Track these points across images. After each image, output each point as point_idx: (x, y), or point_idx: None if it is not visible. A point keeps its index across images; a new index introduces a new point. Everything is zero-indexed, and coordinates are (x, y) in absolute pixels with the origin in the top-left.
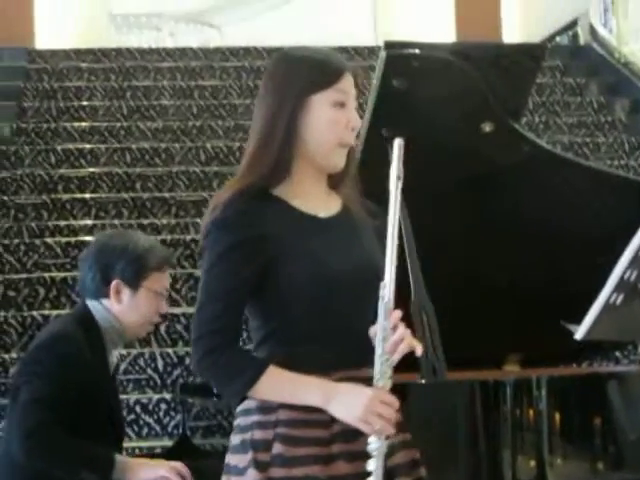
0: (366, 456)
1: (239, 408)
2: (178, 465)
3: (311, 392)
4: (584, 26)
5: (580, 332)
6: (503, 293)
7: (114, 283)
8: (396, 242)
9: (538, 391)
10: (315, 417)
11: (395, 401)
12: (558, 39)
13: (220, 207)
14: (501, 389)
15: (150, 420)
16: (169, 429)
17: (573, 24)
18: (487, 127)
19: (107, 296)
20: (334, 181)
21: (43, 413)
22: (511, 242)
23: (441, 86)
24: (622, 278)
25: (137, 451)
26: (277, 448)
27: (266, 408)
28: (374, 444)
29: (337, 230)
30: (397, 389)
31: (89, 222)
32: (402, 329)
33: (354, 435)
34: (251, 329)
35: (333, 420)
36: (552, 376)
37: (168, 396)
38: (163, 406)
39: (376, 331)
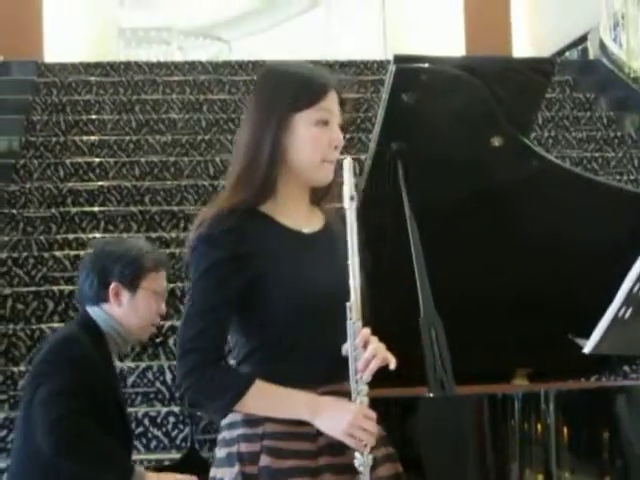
0: (351, 469)
1: (223, 422)
2: (189, 478)
3: (297, 406)
4: (594, 41)
5: (588, 346)
6: (512, 307)
7: (112, 286)
8: (357, 262)
9: (546, 405)
10: (301, 430)
11: (375, 415)
12: (568, 54)
13: (207, 223)
14: (509, 403)
15: (158, 433)
16: (177, 442)
17: (583, 39)
18: (496, 142)
19: (107, 300)
20: (316, 197)
21: (64, 404)
22: (520, 256)
23: (450, 100)
24: (631, 292)
25: (145, 463)
26: (264, 460)
27: (252, 421)
28: (359, 459)
29: (320, 246)
30: (376, 404)
31: (98, 235)
32: (373, 345)
33: (339, 448)
34: (234, 345)
35: (319, 433)
36: (560, 390)
37: (176, 409)
38: (171, 419)
39: (347, 350)
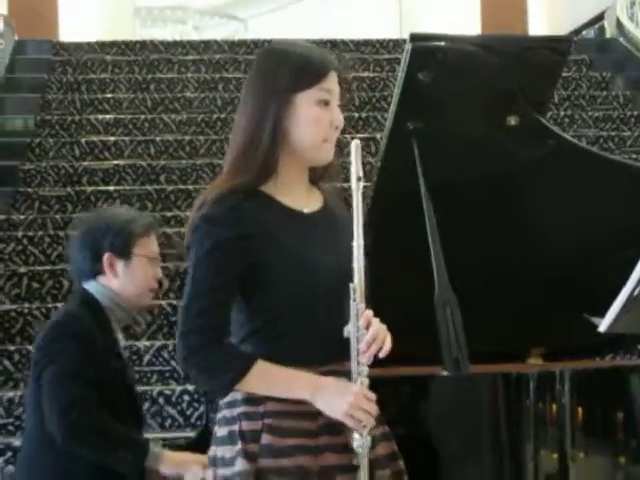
0: (351, 449)
1: (223, 401)
2: (201, 459)
3: (298, 386)
4: (611, 19)
5: (604, 325)
6: (526, 286)
7: (106, 257)
8: (362, 245)
9: (561, 385)
10: (302, 409)
11: (374, 396)
12: (584, 32)
13: (209, 203)
14: (524, 382)
15: (173, 412)
16: (192, 420)
17: (599, 18)
18: (512, 120)
19: (102, 272)
20: (315, 176)
21: (73, 387)
22: (535, 236)
23: (466, 79)
24: None
25: (160, 442)
26: (265, 439)
27: (253, 399)
28: (358, 440)
29: (320, 225)
30: (374, 385)
31: None
32: (375, 327)
33: (339, 428)
34: (234, 324)
35: (319, 412)
36: (575, 369)
37: (191, 388)
38: (186, 398)
39: (349, 331)
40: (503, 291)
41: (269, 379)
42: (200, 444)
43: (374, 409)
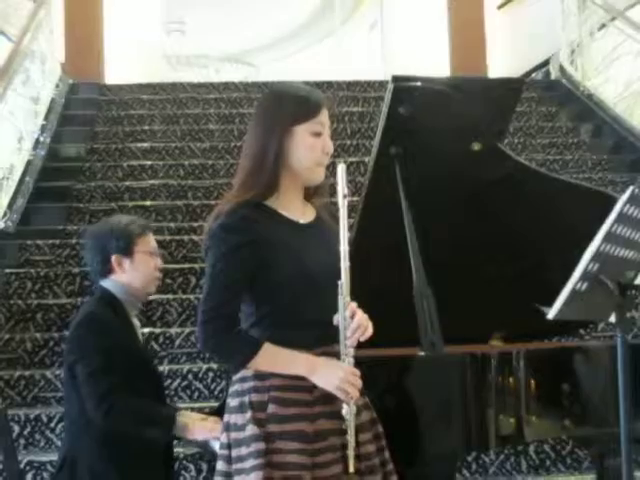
0: (341, 416)
1: (235, 376)
2: (217, 421)
3: (297, 364)
4: (555, 64)
5: (552, 313)
6: (490, 282)
7: (113, 258)
8: (347, 249)
9: (517, 362)
10: (301, 383)
11: (359, 372)
12: (534, 75)
13: (224, 214)
14: (487, 361)
15: (200, 386)
16: (215, 393)
17: (546, 63)
18: (476, 146)
19: (112, 271)
20: (309, 193)
21: (104, 381)
22: (497, 240)
23: (439, 112)
24: (586, 269)
25: (190, 411)
26: (271, 408)
27: (260, 376)
28: (346, 409)
29: (313, 234)
30: (358, 363)
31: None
32: (358, 316)
33: (331, 399)
34: (244, 313)
35: (314, 386)
36: (529, 350)
37: (215, 366)
38: (211, 374)
39: (338, 320)
40: (470, 285)
41: (273, 359)
42: (222, 412)
43: (359, 383)
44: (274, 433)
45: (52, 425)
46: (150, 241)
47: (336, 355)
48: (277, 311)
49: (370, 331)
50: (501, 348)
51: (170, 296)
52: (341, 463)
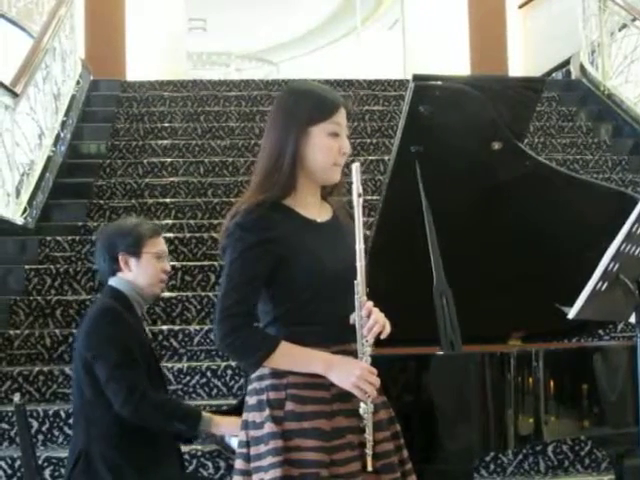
0: (359, 414)
1: (253, 375)
2: None
3: (315, 362)
4: (575, 64)
5: (572, 313)
6: (509, 281)
7: (121, 257)
8: (362, 248)
9: (536, 362)
10: (318, 381)
11: (376, 371)
12: (554, 74)
13: (241, 213)
14: (506, 360)
15: (219, 383)
16: (234, 390)
17: (566, 62)
18: (496, 145)
19: (120, 269)
20: (326, 192)
21: (129, 375)
22: (517, 239)
23: (459, 111)
24: (606, 269)
25: (207, 408)
26: (289, 406)
27: (278, 373)
28: (364, 408)
29: (330, 232)
30: (376, 363)
31: (170, 222)
32: (374, 316)
33: (348, 396)
34: (261, 312)
35: (332, 384)
36: (548, 350)
37: (233, 363)
38: (229, 372)
39: (354, 319)
40: (490, 284)
41: (291, 357)
42: (240, 409)
43: (377, 381)
44: (292, 430)
45: (71, 421)
46: (159, 244)
47: (353, 353)
48: (294, 309)
49: (388, 329)
50: (520, 348)
51: (189, 293)
52: (358, 461)
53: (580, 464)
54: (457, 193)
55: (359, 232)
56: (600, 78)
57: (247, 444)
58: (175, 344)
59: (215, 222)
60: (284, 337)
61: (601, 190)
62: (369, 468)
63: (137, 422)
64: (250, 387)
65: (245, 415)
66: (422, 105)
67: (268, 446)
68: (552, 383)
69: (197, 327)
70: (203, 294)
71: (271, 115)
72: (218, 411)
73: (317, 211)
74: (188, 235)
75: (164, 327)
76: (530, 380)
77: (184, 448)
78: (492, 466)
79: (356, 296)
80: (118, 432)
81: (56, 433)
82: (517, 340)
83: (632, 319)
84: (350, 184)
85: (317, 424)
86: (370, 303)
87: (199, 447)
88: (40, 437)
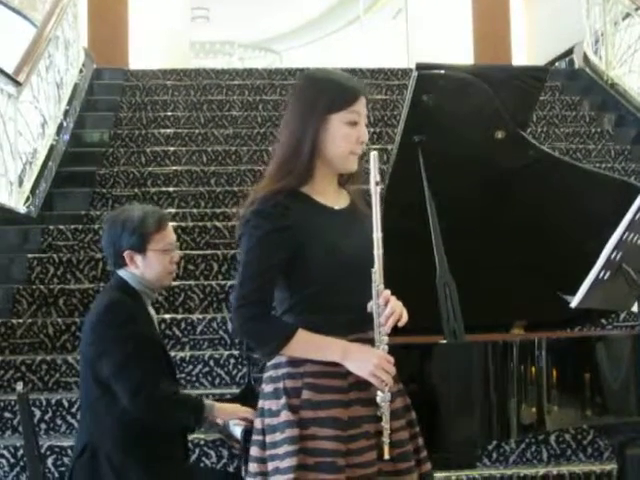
0: (375, 402)
1: (269, 363)
2: (251, 411)
3: (331, 350)
4: (579, 53)
5: (574, 302)
6: (512, 270)
7: (126, 254)
8: (380, 237)
9: (539, 351)
10: (335, 369)
11: (393, 359)
12: (557, 64)
13: (258, 201)
14: (509, 349)
15: (221, 372)
16: (237, 379)
17: (570, 52)
18: (499, 134)
19: (125, 265)
20: (343, 180)
21: (135, 371)
22: (519, 228)
23: (462, 100)
24: (609, 258)
25: (210, 397)
26: (306, 394)
27: (294, 362)
28: (380, 396)
29: (347, 219)
30: (392, 351)
31: (172, 210)
32: (392, 304)
33: (365, 385)
34: (278, 299)
35: (349, 372)
36: (550, 338)
37: (236, 352)
38: (232, 360)
39: (372, 307)
40: (493, 273)
41: (307, 345)
42: (243, 398)
43: (393, 370)
44: (308, 419)
45: (73, 410)
46: (166, 236)
47: (370, 341)
48: (311, 297)
49: (405, 318)
50: (523, 336)
51: (192, 282)
52: (374, 450)
53: (583, 453)
54: (460, 182)
55: (377, 220)
56: (603, 67)
57: (263, 431)
58: (178, 333)
59: (218, 211)
60: (301, 325)
61: (604, 179)
62: (386, 456)
63: (146, 417)
64: (266, 375)
65: (261, 402)
66: (425, 94)
67: (284, 434)
68: (555, 372)
69: (200, 316)
70: (206, 283)
71: (290, 103)
72: (221, 399)
73: (334, 198)
74: (191, 224)
75: (167, 316)
76: (533, 369)
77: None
78: (495, 455)
79: (373, 284)
80: (124, 428)
81: (59, 422)
82: (520, 329)
83: (635, 308)
84: (367, 172)
85: (333, 413)
86: (387, 291)
87: (202, 436)
88: (43, 426)
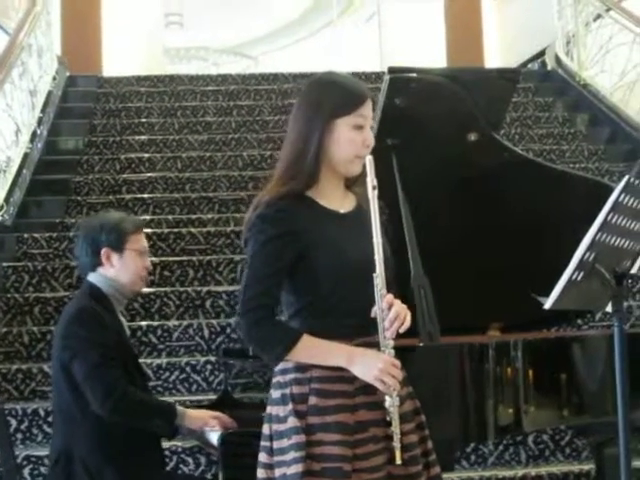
0: (382, 406)
1: (277, 368)
2: (221, 414)
3: (337, 355)
4: (551, 55)
5: (548, 303)
6: (488, 272)
7: (103, 251)
8: (380, 241)
9: (515, 352)
10: (341, 374)
11: (399, 364)
12: (530, 65)
13: (263, 205)
14: (485, 350)
15: (198, 378)
16: (214, 386)
17: (542, 53)
18: (472, 137)
19: (101, 264)
20: (349, 183)
21: (107, 375)
22: (493, 230)
23: (435, 103)
24: (582, 259)
25: (188, 403)
26: (312, 400)
27: (301, 367)
28: (389, 401)
29: (353, 223)
30: (400, 353)
31: (148, 217)
32: (395, 308)
33: (372, 389)
34: (284, 304)
35: (355, 377)
36: (526, 339)
37: (213, 359)
38: (209, 367)
39: (375, 312)
40: (468, 275)
41: (312, 350)
42: (220, 405)
43: (399, 374)
44: (315, 425)
45: (50, 419)
46: (141, 240)
47: (377, 345)
48: (317, 301)
49: (408, 321)
50: (499, 338)
51: (168, 289)
52: (383, 454)
53: (561, 453)
54: (435, 185)
55: (376, 225)
56: (576, 68)
57: (270, 438)
58: (154, 340)
59: (193, 217)
60: (308, 329)
61: (578, 180)
62: (398, 461)
63: (117, 421)
64: (274, 380)
65: (269, 409)
66: (398, 97)
67: (291, 441)
68: (531, 373)
69: (176, 322)
70: (182, 289)
71: (296, 106)
72: (199, 406)
73: (340, 202)
74: (166, 230)
75: (143, 323)
76: (509, 370)
77: (164, 445)
78: (473, 457)
79: (376, 289)
80: (98, 433)
81: (35, 431)
82: (496, 330)
83: (609, 308)
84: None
85: (340, 418)
86: (390, 296)
87: (179, 443)
88: (19, 435)
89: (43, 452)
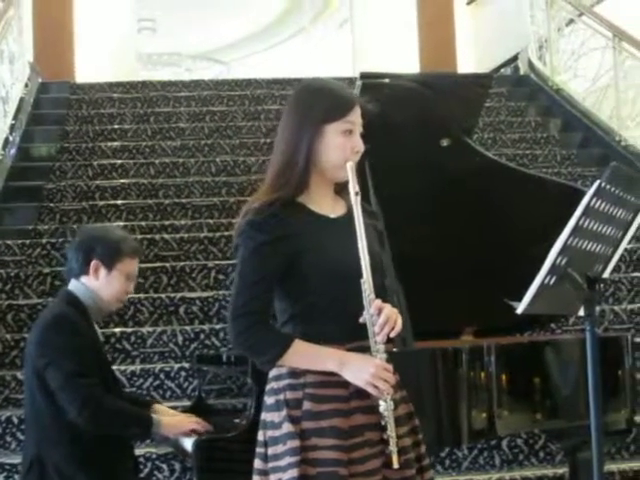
0: (376, 410)
1: (271, 374)
2: (201, 420)
3: (328, 360)
4: (523, 60)
5: (520, 308)
6: (463, 278)
7: (93, 262)
8: (365, 245)
9: (488, 357)
10: (335, 379)
11: (391, 368)
12: (503, 70)
13: (252, 212)
14: (458, 355)
15: (172, 385)
16: (187, 392)
17: (515, 58)
18: (445, 142)
19: (87, 273)
20: (339, 188)
21: (83, 383)
22: (469, 235)
23: (407, 109)
24: (554, 263)
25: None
26: (306, 405)
27: (295, 373)
28: (383, 405)
29: (344, 227)
30: (392, 357)
31: (121, 223)
32: (385, 312)
33: (367, 393)
34: (277, 310)
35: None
36: (499, 344)
37: (187, 365)
38: (183, 373)
39: (365, 318)
40: (441, 280)
41: (304, 355)
42: (194, 411)
43: (391, 378)
44: (309, 430)
45: (23, 427)
46: (133, 265)
47: (368, 351)
48: (309, 306)
49: (399, 325)
50: (472, 342)
51: (142, 295)
52: (378, 458)
53: (535, 457)
54: (408, 191)
55: (360, 230)
56: (548, 73)
57: (265, 444)
58: (128, 346)
59: (166, 223)
60: (300, 335)
61: (550, 184)
62: (395, 465)
63: (93, 431)
64: (268, 387)
65: (263, 415)
66: (370, 103)
67: (286, 446)
68: (504, 377)
69: (150, 329)
70: (155, 296)
71: (285, 113)
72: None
73: (331, 207)
74: (139, 237)
75: (116, 330)
76: (482, 375)
77: (138, 451)
78: (447, 462)
79: (364, 294)
80: (70, 439)
81: (8, 439)
82: (469, 335)
83: (581, 312)
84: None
85: (334, 423)
86: (379, 301)
87: (153, 450)
88: None
89: (17, 460)
